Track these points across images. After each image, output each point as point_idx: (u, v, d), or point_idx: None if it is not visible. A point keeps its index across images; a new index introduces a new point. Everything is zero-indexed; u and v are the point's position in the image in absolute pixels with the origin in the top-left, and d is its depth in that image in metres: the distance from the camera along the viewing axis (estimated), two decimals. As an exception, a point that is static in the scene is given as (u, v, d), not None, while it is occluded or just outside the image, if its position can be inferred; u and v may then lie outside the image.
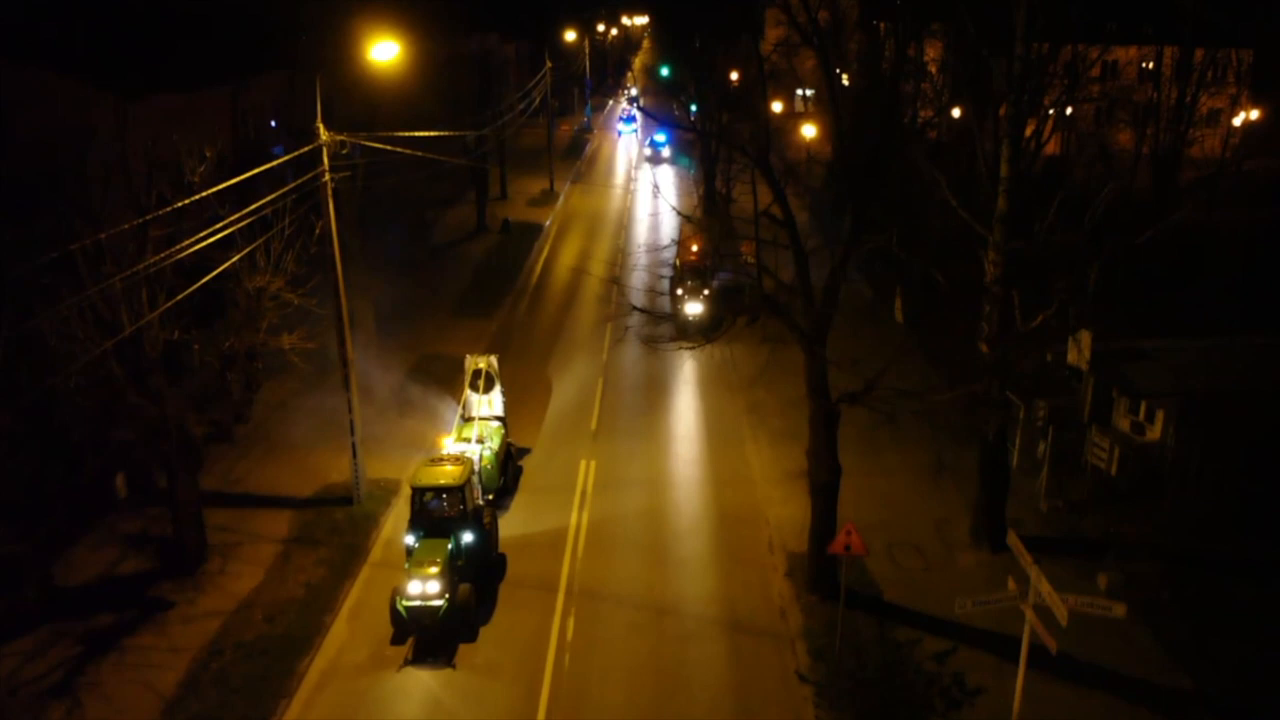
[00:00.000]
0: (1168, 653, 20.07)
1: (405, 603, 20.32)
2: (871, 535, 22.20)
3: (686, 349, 30.95)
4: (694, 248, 41.68)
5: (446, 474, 22.22)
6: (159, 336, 21.38)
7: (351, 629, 21.56)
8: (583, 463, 29.15)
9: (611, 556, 24.37)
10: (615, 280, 44.98)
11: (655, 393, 34.73)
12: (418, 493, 22.06)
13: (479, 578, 22.08)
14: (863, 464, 25.71)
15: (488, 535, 22.98)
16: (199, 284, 20.74)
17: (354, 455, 26.11)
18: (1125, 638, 20.10)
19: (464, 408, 28.56)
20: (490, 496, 25.00)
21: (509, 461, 27.52)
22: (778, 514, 25.86)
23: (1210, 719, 18.28)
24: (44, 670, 19.78)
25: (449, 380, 34.93)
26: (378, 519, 25.68)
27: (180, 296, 20.59)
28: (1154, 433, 26.48)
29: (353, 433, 26.00)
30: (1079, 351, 28.38)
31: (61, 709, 18.82)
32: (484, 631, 21.50)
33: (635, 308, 25.36)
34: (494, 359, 28.19)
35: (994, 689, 17.53)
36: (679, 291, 40.39)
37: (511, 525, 25.65)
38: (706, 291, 39.68)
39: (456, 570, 21.10)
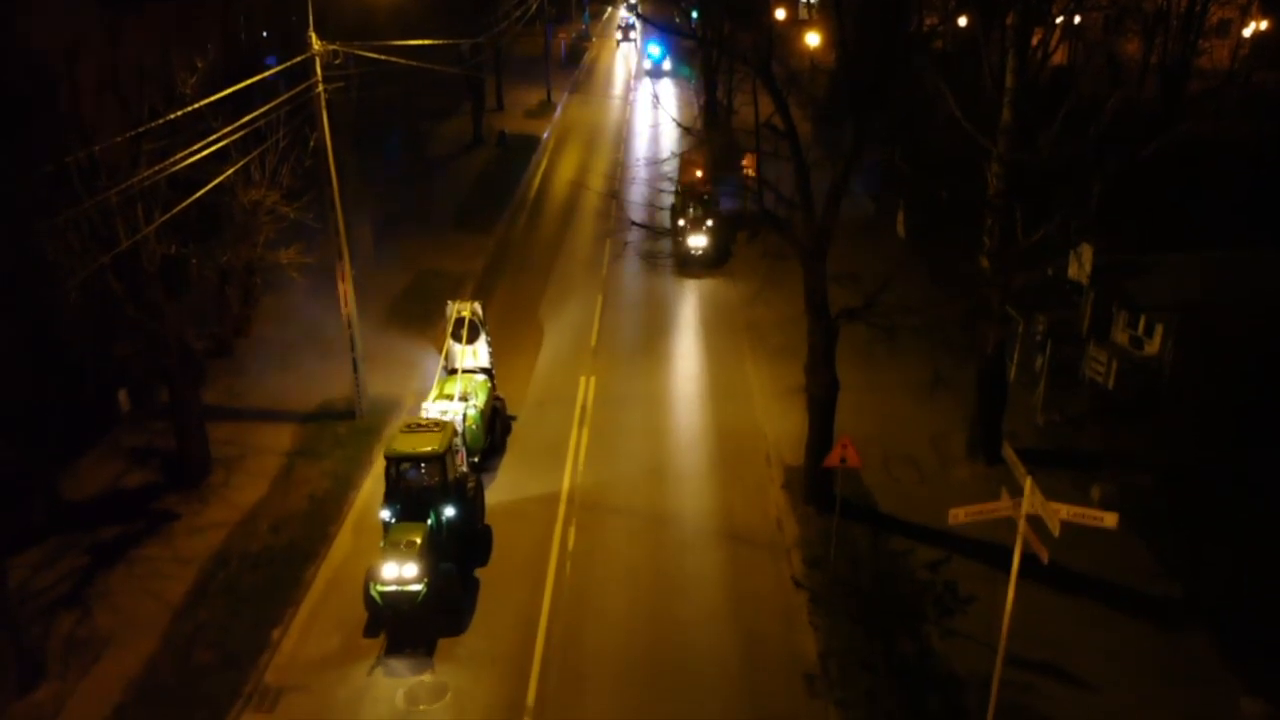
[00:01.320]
0: (1159, 562, 20.43)
1: (380, 587, 18.39)
2: (867, 449, 22.40)
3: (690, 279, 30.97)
4: (697, 172, 39.87)
5: (425, 441, 19.98)
6: (156, 251, 21.28)
7: (355, 539, 21.90)
8: (582, 379, 29.28)
9: (611, 470, 24.64)
10: (614, 195, 44.61)
11: (655, 309, 34.69)
12: (393, 462, 19.81)
13: (463, 554, 20.37)
14: (860, 379, 25.82)
15: (472, 506, 21.20)
16: (194, 198, 20.57)
17: (355, 370, 26.20)
18: (1117, 548, 20.42)
19: (446, 359, 25.96)
20: (475, 459, 23.44)
21: (496, 418, 25.32)
22: (775, 428, 26.07)
23: (1201, 627, 18.68)
24: (53, 581, 20.16)
25: (450, 296, 34.87)
26: (379, 433, 25.87)
27: (175, 210, 20.44)
28: (1152, 347, 26.54)
29: (352, 348, 26.06)
30: (1080, 265, 28.31)
31: (71, 619, 19.23)
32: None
33: (634, 223, 25.19)
34: (478, 305, 25.60)
35: (986, 597, 17.90)
36: (681, 222, 38.16)
37: (514, 440, 25.88)
38: (710, 222, 37.77)
39: (438, 548, 19.22)
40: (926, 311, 23.97)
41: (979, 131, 21.93)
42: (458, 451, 21.62)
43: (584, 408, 27.61)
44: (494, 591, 20.28)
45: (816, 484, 22.29)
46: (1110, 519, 14.21)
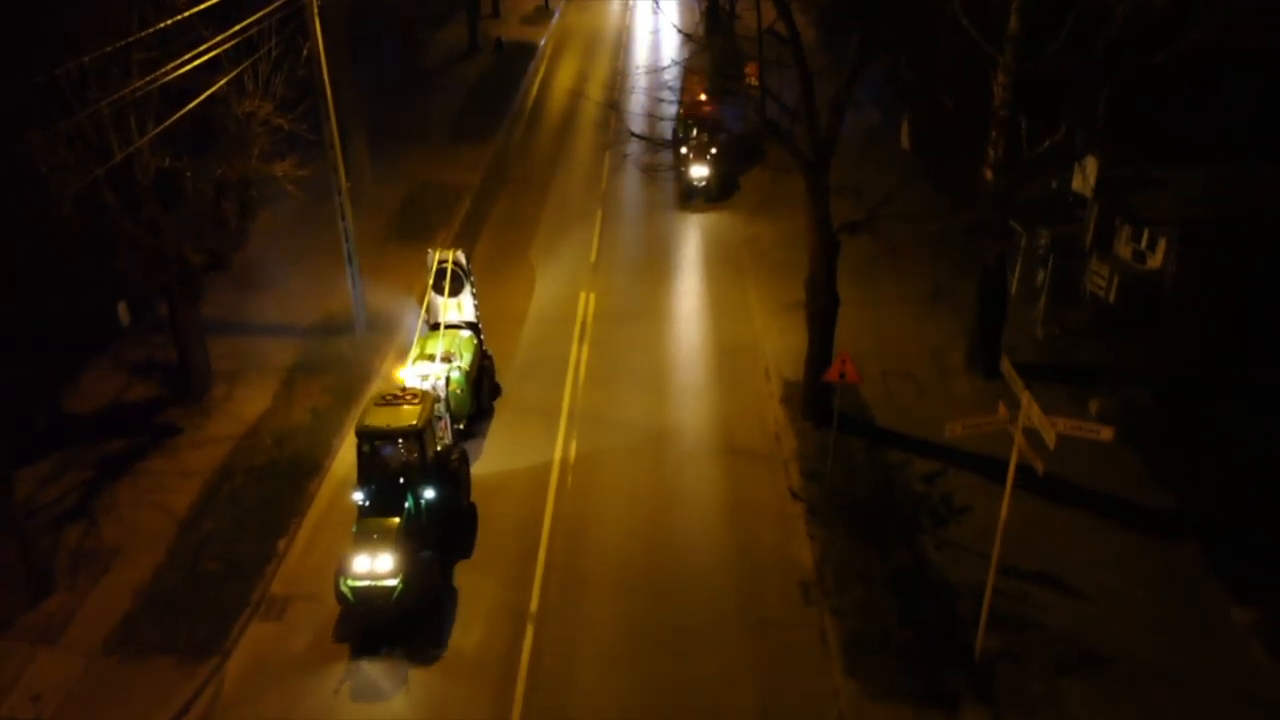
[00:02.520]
0: (1155, 476, 20.62)
1: (351, 582, 16.71)
2: (866, 363, 22.45)
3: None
4: (700, 95, 37.59)
5: (401, 415, 18.08)
6: (150, 164, 21.04)
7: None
8: (582, 294, 29.20)
9: (611, 385, 24.73)
10: (614, 105, 43.89)
11: (654, 224, 34.42)
12: (365, 438, 17.96)
13: (445, 539, 18.73)
14: (861, 294, 25.75)
15: (457, 482, 19.56)
16: (186, 109, 20.25)
17: (353, 285, 26.11)
18: (1113, 461, 20.61)
19: (427, 312, 23.60)
20: (460, 426, 21.79)
21: (484, 378, 23.28)
22: (774, 344, 26.08)
23: (1193, 537, 18.95)
24: (59, 494, 20.41)
25: (448, 210, 34.61)
26: (380, 348, 25.90)
27: (169, 122, 20.15)
28: (1155, 261, 26.38)
29: (350, 263, 25.93)
30: (1085, 178, 27.95)
31: (78, 531, 19.52)
32: (481, 467, 22.03)
33: (634, 135, 24.79)
34: (461, 254, 22.97)
35: (980, 508, 18.14)
36: (683, 150, 35.86)
37: (515, 357, 25.92)
38: (714, 151, 35.59)
39: (416, 536, 17.50)
40: (929, 224, 23.75)
41: (985, 39, 21.46)
42: (441, 418, 20.18)
43: (584, 324, 27.59)
44: (498, 503, 20.53)
45: (815, 399, 22.39)
46: (1107, 432, 14.30)
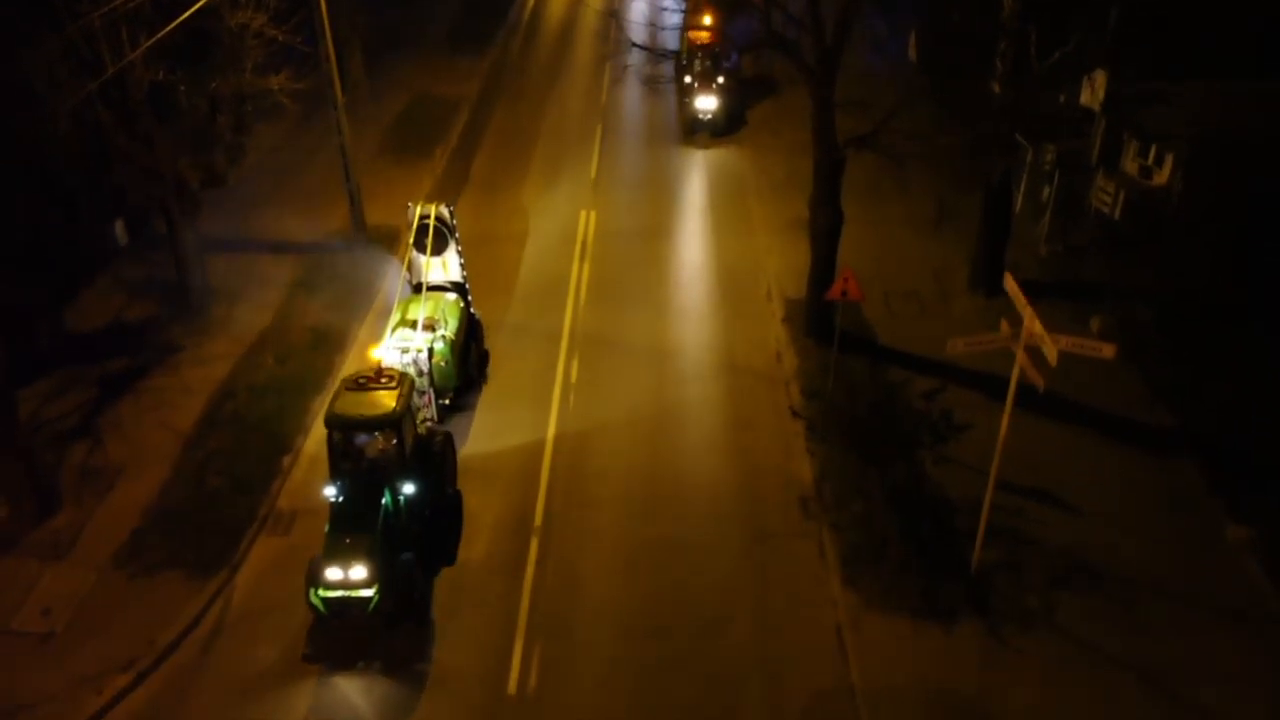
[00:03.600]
0: (1155, 393, 20.70)
1: (323, 593, 15.06)
2: (869, 282, 22.35)
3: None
4: (705, 19, 35.46)
5: (374, 402, 16.21)
6: (143, 78, 20.67)
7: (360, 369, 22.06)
8: (582, 213, 28.94)
9: (612, 304, 24.66)
10: (614, 14, 42.95)
11: (655, 139, 33.96)
12: (335, 427, 16.14)
13: (427, 536, 16.98)
14: (865, 212, 25.52)
15: (441, 470, 17.90)
16: (179, 20, 19.81)
17: (351, 200, 25.88)
18: (1114, 379, 20.66)
19: (409, 272, 21.63)
20: (446, 401, 20.18)
21: (471, 345, 21.27)
22: (777, 262, 25.94)
23: (1190, 453, 19.09)
24: (63, 412, 20.49)
25: (445, 124, 34.13)
26: (379, 265, 25.76)
27: (161, 34, 19.72)
28: (1161, 177, 26.11)
29: (348, 178, 25.65)
30: (1093, 93, 27.48)
31: (83, 449, 19.64)
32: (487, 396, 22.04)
33: (635, 45, 24.26)
34: (445, 208, 20.69)
35: (980, 425, 18.23)
36: (687, 79, 34.33)
37: (516, 275, 25.79)
38: (720, 80, 33.59)
39: (395, 536, 15.83)
40: (935, 139, 23.41)
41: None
42: (424, 393, 18.93)
43: (584, 243, 27.41)
44: (500, 421, 20.65)
45: (817, 317, 22.35)
46: (1108, 350, 14.30)
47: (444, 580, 16.96)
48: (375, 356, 17.78)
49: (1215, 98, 25.40)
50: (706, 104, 32.89)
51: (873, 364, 21.60)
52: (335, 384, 21.48)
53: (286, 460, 19.44)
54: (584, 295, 25.01)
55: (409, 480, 16.34)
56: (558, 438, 20.20)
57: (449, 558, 17.35)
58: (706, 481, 19.08)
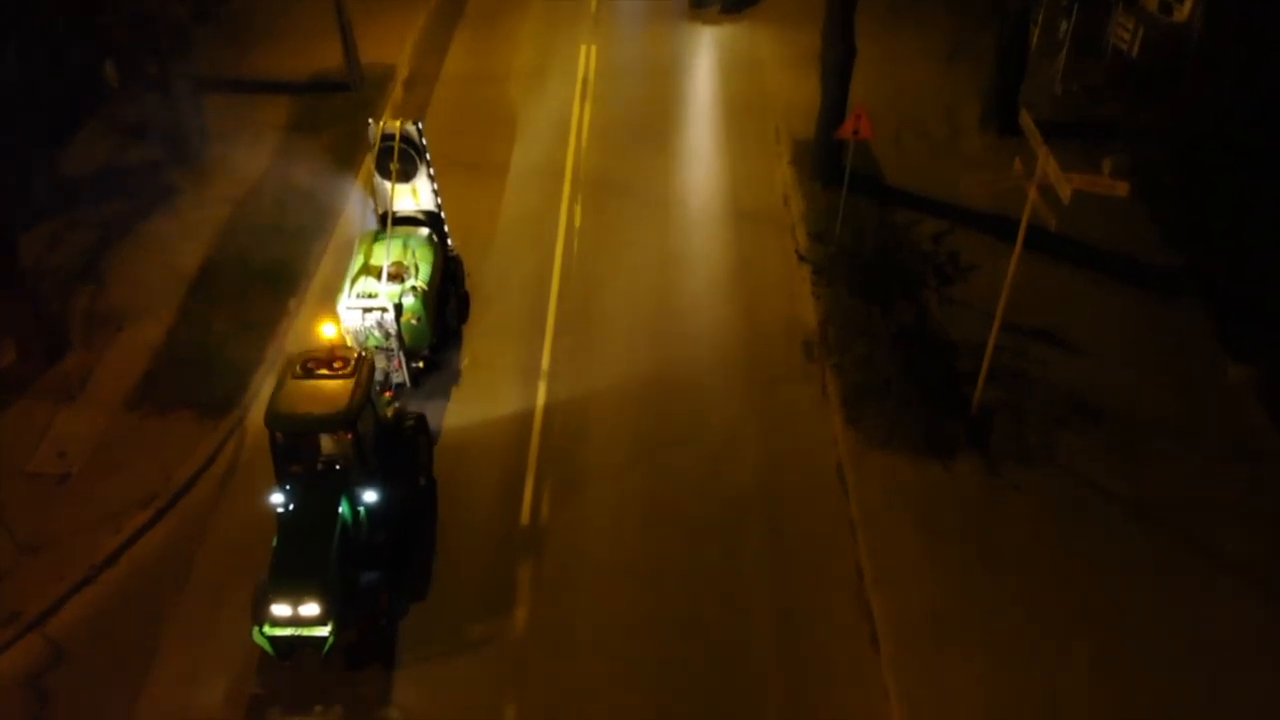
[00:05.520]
0: (1164, 235, 20.50)
1: (269, 629, 12.81)
2: (880, 121, 21.78)
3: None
4: None
5: (326, 395, 13.44)
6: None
7: (363, 212, 21.74)
8: (583, 47, 28.06)
9: (616, 146, 24.17)
10: None
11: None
12: (277, 428, 13.43)
13: (398, 545, 14.36)
14: (877, 48, 24.64)
15: (413, 459, 15.19)
16: None
17: (344, 39, 25.02)
18: (1124, 220, 20.44)
19: (375, 201, 18.69)
20: (420, 364, 17.41)
21: (450, 292, 18.48)
22: (786, 101, 25.28)
23: (1195, 293, 19.05)
24: (66, 258, 20.36)
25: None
26: (376, 106, 25.14)
27: None
28: (1182, 13, 25.14)
29: (340, 12, 24.72)
30: (1118, -79, 26.25)
31: (89, 293, 19.62)
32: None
33: None
34: (412, 125, 17.53)
35: (988, 267, 18.09)
36: None
37: (514, 113, 25.16)
38: None
39: (355, 554, 13.52)
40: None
41: None
42: (393, 357, 16.70)
43: (585, 80, 26.65)
44: (505, 265, 20.54)
45: (826, 157, 21.92)
46: (1122, 188, 14.08)
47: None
48: (327, 334, 14.75)
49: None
50: None
51: (880, 205, 21.31)
52: (337, 227, 21.28)
53: (292, 303, 19.45)
54: (586, 136, 24.47)
55: (371, 486, 13.83)
56: (562, 281, 20.11)
57: (421, 576, 14.62)
58: (711, 324, 19.12)
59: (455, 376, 17.98)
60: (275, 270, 19.97)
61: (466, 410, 17.38)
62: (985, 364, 16.24)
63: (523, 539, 15.30)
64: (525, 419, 17.24)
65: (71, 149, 23.47)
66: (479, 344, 18.70)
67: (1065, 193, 14.00)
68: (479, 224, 21.52)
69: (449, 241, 18.93)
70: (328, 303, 19.28)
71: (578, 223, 21.71)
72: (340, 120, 24.50)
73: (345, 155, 23.32)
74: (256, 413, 17.31)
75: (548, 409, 17.46)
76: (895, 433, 16.54)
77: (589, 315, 19.37)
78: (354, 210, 21.84)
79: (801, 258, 20.31)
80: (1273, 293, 18.63)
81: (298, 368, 13.91)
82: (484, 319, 19.19)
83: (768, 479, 16.17)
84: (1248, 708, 12.96)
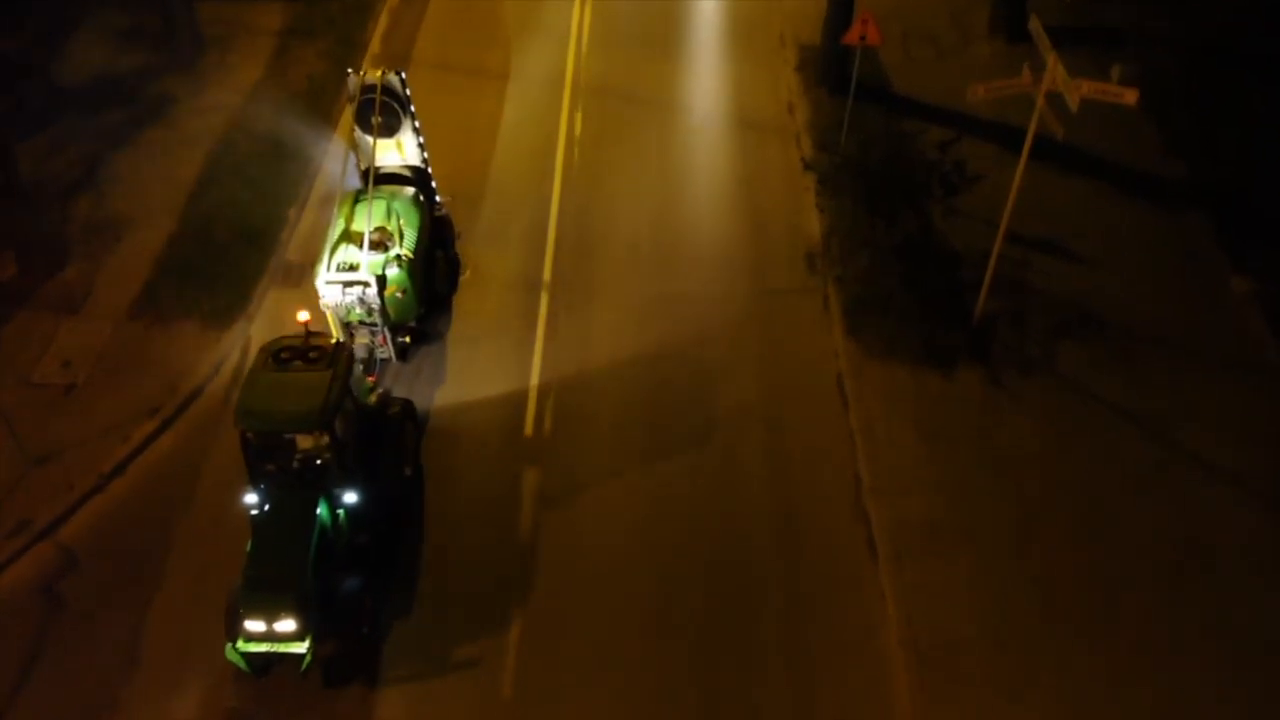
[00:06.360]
0: (1169, 145, 20.24)
1: (243, 645, 12.11)
2: (887, 25, 21.31)
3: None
4: None
5: (300, 391, 12.50)
6: None
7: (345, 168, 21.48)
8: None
9: (617, 52, 23.65)
10: None
11: None
12: (248, 427, 12.55)
13: (383, 546, 13.67)
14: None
15: (398, 449, 14.29)
16: None
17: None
18: (1129, 131, 20.16)
19: (356, 157, 17.63)
20: (407, 339, 16.47)
21: (437, 257, 17.45)
22: (791, 5, 24.71)
23: (1199, 205, 18.91)
24: (64, 167, 20.13)
25: None
26: (373, 10, 24.58)
27: None
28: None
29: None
30: None
31: (87, 202, 19.45)
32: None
33: None
34: (394, 75, 16.38)
35: (993, 176, 17.96)
36: None
37: (511, 18, 24.60)
38: None
39: (335, 560, 12.74)
40: None
41: None
42: (377, 332, 15.73)
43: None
44: (502, 179, 20.34)
45: (832, 64, 21.54)
46: (1130, 95, 13.88)
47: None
48: (302, 318, 13.55)
49: None
50: None
51: (887, 113, 20.99)
52: (336, 134, 20.97)
53: (292, 212, 19.33)
54: (586, 42, 23.94)
55: (352, 487, 13.00)
56: (563, 193, 19.93)
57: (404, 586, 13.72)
58: (713, 236, 19.02)
59: (445, 348, 17.06)
60: (274, 179, 19.77)
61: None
62: (989, 274, 16.20)
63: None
64: (528, 332, 17.28)
65: (64, 55, 23.04)
66: (479, 254, 18.63)
67: (1074, 99, 13.82)
68: (478, 132, 21.25)
69: (437, 199, 17.82)
70: (330, 209, 19.17)
71: (578, 131, 21.43)
72: (335, 25, 23.91)
73: (341, 62, 22.85)
74: (260, 324, 17.42)
75: (550, 317, 17.44)
76: (896, 344, 16.59)
77: (592, 227, 19.24)
78: (333, 165, 21.24)
79: (807, 166, 20.12)
80: (1278, 204, 18.48)
81: (270, 358, 12.97)
82: (483, 228, 19.05)
83: (768, 391, 16.28)
84: (1240, 613, 13.26)
